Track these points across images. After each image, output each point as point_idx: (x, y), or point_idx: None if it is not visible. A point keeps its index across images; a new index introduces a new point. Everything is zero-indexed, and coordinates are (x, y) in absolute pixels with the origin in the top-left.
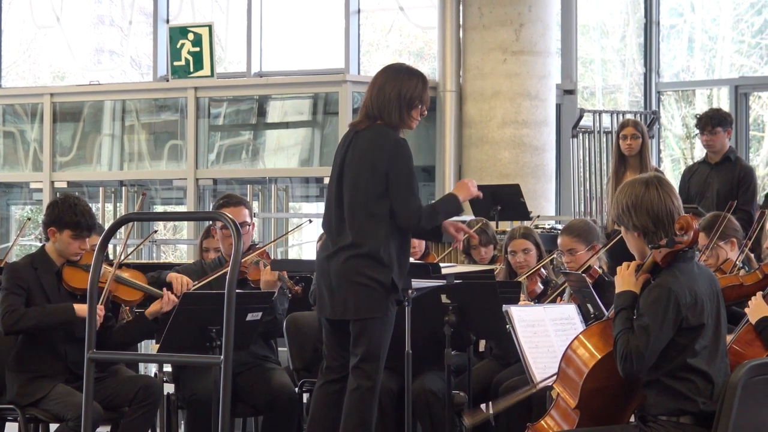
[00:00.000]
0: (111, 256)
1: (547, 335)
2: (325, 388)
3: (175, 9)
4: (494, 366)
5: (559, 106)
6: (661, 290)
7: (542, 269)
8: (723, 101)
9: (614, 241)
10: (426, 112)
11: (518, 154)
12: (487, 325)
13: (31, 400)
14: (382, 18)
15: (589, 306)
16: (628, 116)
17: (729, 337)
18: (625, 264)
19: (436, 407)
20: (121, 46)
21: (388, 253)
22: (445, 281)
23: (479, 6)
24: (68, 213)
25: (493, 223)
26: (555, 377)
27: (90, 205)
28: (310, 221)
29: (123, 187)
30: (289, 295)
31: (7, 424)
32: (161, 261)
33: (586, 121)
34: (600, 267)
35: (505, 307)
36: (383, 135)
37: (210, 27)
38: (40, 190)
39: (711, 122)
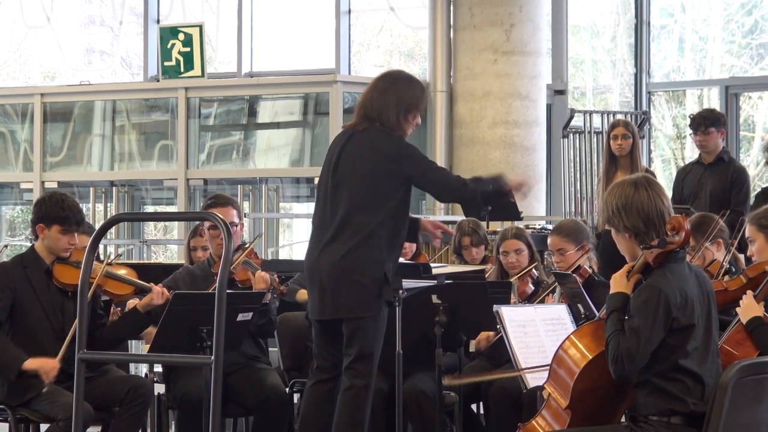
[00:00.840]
0: (101, 257)
1: (538, 335)
2: (316, 387)
3: (166, 9)
4: (485, 366)
5: (549, 107)
6: (651, 291)
7: (533, 270)
8: (713, 101)
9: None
10: (420, 121)
11: (509, 155)
12: (478, 326)
13: (21, 401)
14: (372, 18)
15: (579, 306)
16: (619, 116)
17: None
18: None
19: (427, 407)
20: (112, 46)
21: (380, 252)
22: (435, 281)
23: (470, 6)
24: (56, 208)
25: (483, 224)
26: (541, 368)
27: (80, 205)
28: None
29: (113, 188)
30: (275, 296)
31: None
32: (152, 261)
33: (577, 121)
34: (590, 267)
35: (495, 307)
36: (385, 135)
37: (200, 27)
38: (30, 191)
39: (704, 122)
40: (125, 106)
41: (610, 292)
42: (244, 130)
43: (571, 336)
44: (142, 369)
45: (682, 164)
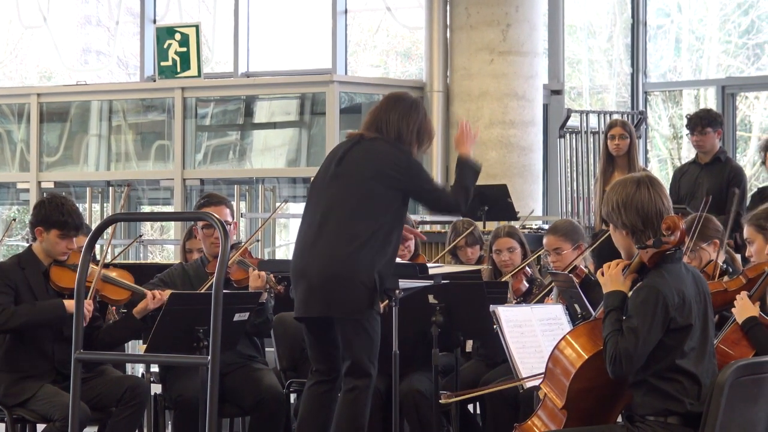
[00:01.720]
0: (98, 257)
1: (535, 335)
2: (315, 388)
3: (162, 9)
4: (481, 366)
5: (546, 107)
6: (649, 291)
7: (527, 267)
8: (710, 101)
9: (600, 240)
10: (425, 150)
11: (505, 155)
12: (475, 326)
13: (18, 401)
14: (369, 18)
15: (576, 306)
16: (616, 116)
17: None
18: (607, 264)
19: (424, 407)
20: (108, 46)
21: (373, 259)
22: (432, 281)
23: (466, 6)
24: (55, 213)
25: (480, 224)
26: (542, 376)
27: (77, 205)
28: None
29: (110, 188)
30: (272, 295)
31: None
32: (148, 261)
33: (573, 121)
34: (586, 267)
35: (492, 307)
36: (396, 147)
37: (197, 27)
38: (27, 191)
39: (701, 122)
40: (122, 106)
41: (605, 290)
42: (241, 130)
43: (567, 336)
44: (139, 369)
45: (678, 164)
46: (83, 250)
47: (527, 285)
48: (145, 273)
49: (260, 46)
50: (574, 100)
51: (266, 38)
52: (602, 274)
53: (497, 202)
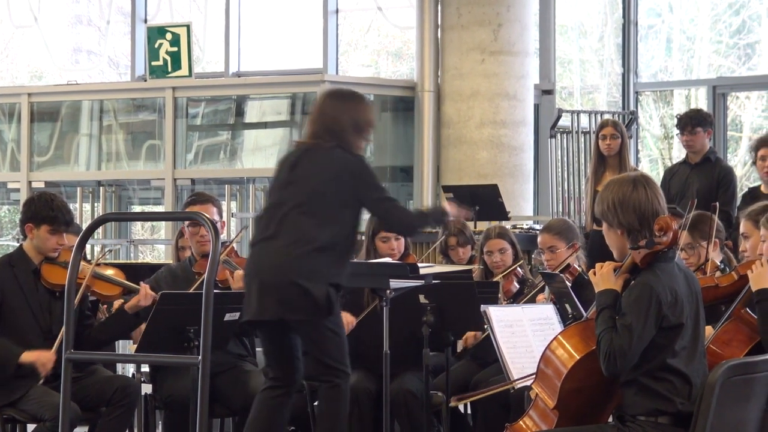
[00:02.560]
0: (88, 257)
1: (526, 335)
2: (267, 393)
3: (153, 9)
4: (472, 366)
5: (537, 107)
6: (643, 288)
7: (518, 268)
8: (701, 101)
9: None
10: (370, 139)
11: (496, 154)
12: (466, 326)
13: (8, 401)
14: (360, 18)
15: (567, 306)
16: (607, 116)
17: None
18: (599, 264)
19: (414, 407)
20: (99, 45)
21: (327, 265)
22: (423, 281)
23: (457, 6)
24: (45, 208)
25: (471, 224)
26: (533, 377)
27: (65, 201)
28: None
29: (101, 187)
30: None
31: None
32: (139, 261)
33: (565, 121)
34: (579, 266)
35: (483, 307)
36: (349, 155)
37: (188, 27)
38: (17, 190)
39: (691, 122)
40: (112, 106)
41: (597, 289)
42: (232, 129)
43: (559, 336)
44: (129, 369)
45: (669, 164)
46: (74, 249)
47: (518, 286)
48: (136, 273)
49: (251, 46)
50: (565, 100)
51: (257, 38)
52: (594, 274)
53: (488, 202)
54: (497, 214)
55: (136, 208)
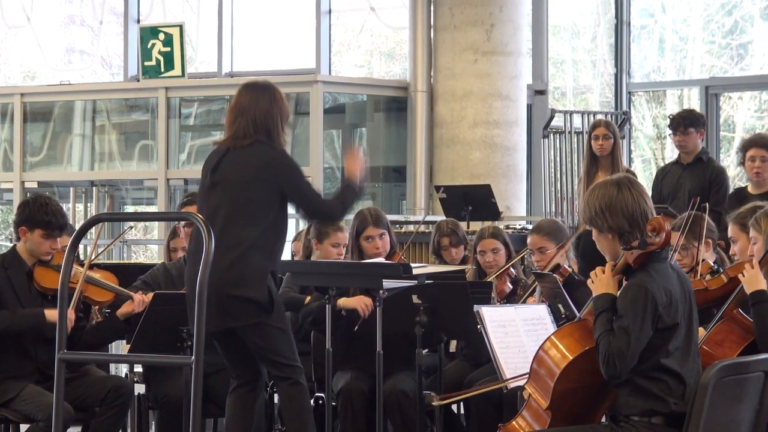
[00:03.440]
0: (81, 257)
1: (519, 335)
2: (237, 392)
3: (146, 9)
4: (465, 366)
5: (530, 107)
6: (638, 289)
7: (511, 269)
8: (693, 102)
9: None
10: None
11: (489, 155)
12: (458, 326)
13: (1, 401)
14: (353, 18)
15: (560, 306)
16: (599, 116)
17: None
18: (599, 268)
19: (407, 407)
20: (92, 45)
21: (263, 262)
22: (416, 281)
23: (450, 6)
24: (39, 212)
25: (463, 224)
26: (526, 377)
27: (61, 205)
28: None
29: (94, 188)
30: None
31: None
32: (132, 261)
33: (557, 121)
34: (569, 266)
35: (476, 307)
36: (270, 149)
37: (181, 27)
38: (10, 191)
39: (684, 123)
40: (105, 106)
41: (596, 293)
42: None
43: (552, 337)
44: (123, 369)
45: (662, 164)
46: (66, 250)
47: (511, 286)
48: (129, 273)
49: (244, 46)
50: (558, 100)
51: (250, 38)
52: (592, 282)
53: (481, 203)
54: (490, 215)
55: (129, 209)
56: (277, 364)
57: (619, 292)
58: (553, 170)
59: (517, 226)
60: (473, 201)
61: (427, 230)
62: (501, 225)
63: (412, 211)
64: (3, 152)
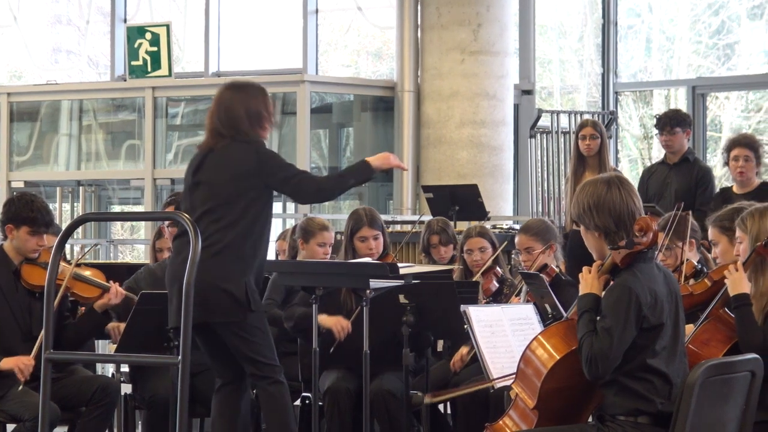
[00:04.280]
0: (68, 257)
1: (505, 335)
2: (221, 391)
3: (133, 8)
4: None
5: (517, 106)
6: (622, 290)
7: (497, 268)
8: (680, 102)
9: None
10: (273, 122)
11: (476, 154)
12: (445, 325)
13: None
14: (340, 18)
15: (546, 306)
16: (586, 116)
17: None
18: (586, 268)
19: (394, 407)
20: (79, 45)
21: (244, 263)
22: (403, 281)
23: (437, 6)
24: (25, 209)
25: (450, 223)
26: (513, 376)
27: (47, 203)
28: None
29: (80, 187)
30: None
31: None
32: (118, 261)
33: (544, 121)
34: (557, 266)
35: (463, 307)
36: (245, 147)
37: (168, 27)
38: None
39: (670, 122)
40: (92, 106)
41: (581, 293)
42: None
43: (539, 336)
44: (109, 369)
45: (649, 164)
46: (53, 249)
47: (497, 285)
48: (115, 273)
49: (231, 46)
50: (544, 100)
51: (237, 38)
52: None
53: (468, 202)
54: (477, 214)
55: (116, 208)
56: (256, 363)
57: (603, 293)
58: (540, 170)
59: (504, 226)
60: (460, 201)
61: (417, 230)
62: (487, 225)
63: (399, 210)
64: None
